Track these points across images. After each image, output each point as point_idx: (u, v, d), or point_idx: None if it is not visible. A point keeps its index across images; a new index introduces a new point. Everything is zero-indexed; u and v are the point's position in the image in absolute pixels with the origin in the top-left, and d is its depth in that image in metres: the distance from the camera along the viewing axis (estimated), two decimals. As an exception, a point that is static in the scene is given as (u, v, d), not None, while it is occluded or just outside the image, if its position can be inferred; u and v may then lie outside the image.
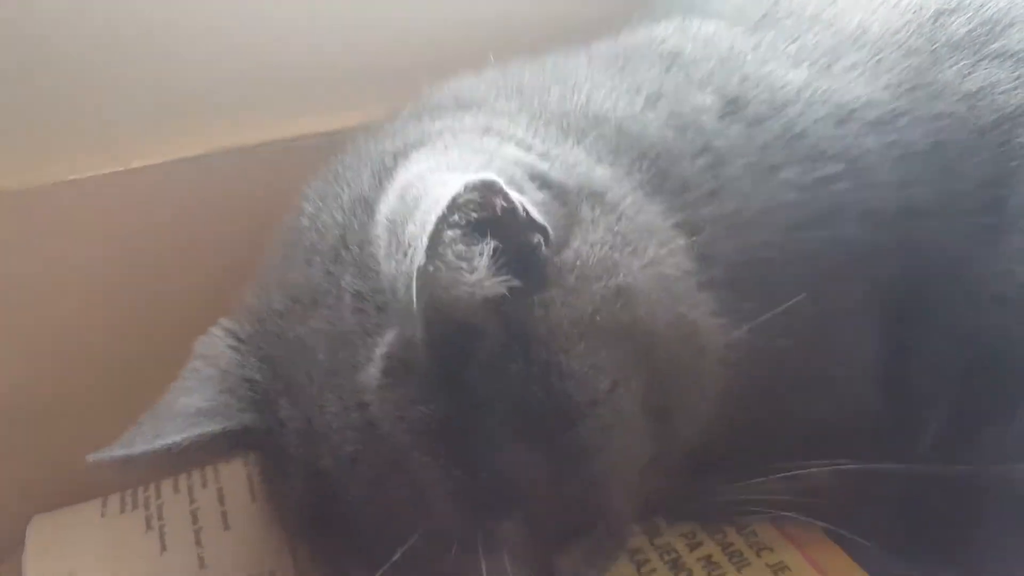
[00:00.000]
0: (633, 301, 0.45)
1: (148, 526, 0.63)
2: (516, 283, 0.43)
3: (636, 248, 0.47)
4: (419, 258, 0.39)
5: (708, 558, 0.57)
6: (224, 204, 0.68)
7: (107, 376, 0.68)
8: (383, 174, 0.48)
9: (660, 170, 0.51)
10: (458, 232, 0.40)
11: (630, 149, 0.51)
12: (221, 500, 0.65)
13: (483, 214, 0.41)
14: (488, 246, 0.42)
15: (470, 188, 0.40)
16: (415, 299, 0.40)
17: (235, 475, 0.67)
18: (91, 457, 0.47)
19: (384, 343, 0.43)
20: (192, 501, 0.65)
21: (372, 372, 0.43)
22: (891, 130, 0.53)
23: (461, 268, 0.41)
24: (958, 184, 0.53)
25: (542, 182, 0.48)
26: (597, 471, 0.45)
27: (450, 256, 0.40)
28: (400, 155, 0.49)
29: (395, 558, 0.44)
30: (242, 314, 0.53)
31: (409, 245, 0.40)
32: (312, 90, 0.71)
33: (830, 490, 0.53)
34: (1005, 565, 0.53)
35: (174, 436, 0.46)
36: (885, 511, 0.54)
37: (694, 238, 0.49)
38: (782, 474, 0.51)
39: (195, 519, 0.63)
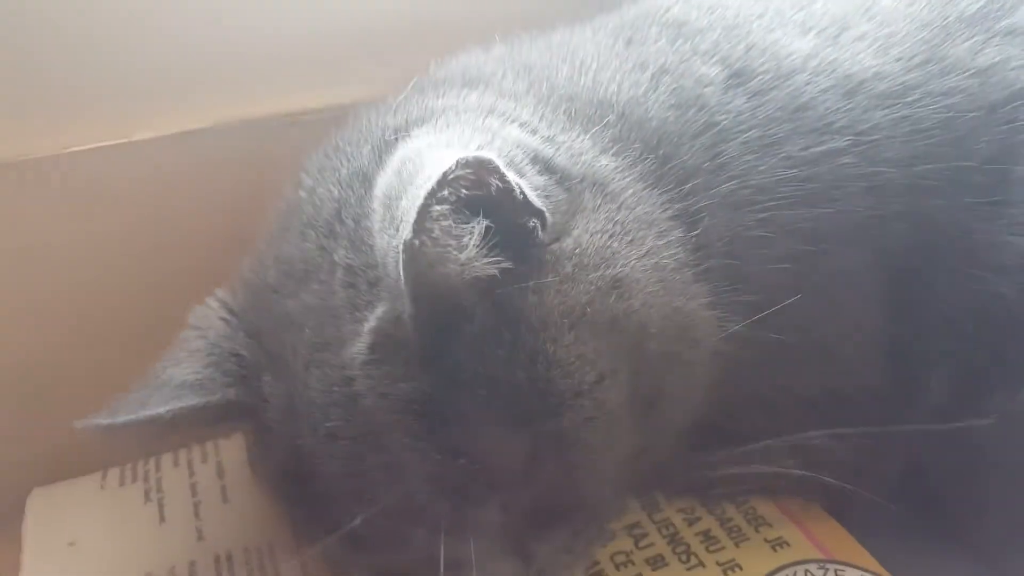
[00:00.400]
0: (628, 293, 0.45)
1: (147, 498, 0.63)
2: (508, 265, 0.43)
3: (635, 239, 0.47)
4: (406, 232, 0.39)
5: (706, 533, 0.57)
6: (226, 178, 0.68)
7: (107, 348, 0.67)
8: (383, 149, 0.48)
9: (662, 159, 0.50)
10: (446, 207, 0.40)
11: (634, 139, 0.51)
12: (220, 474, 0.65)
13: (475, 192, 0.41)
14: (479, 225, 0.42)
15: (462, 164, 0.40)
16: (402, 270, 0.40)
17: (235, 450, 0.67)
18: (78, 423, 0.47)
19: (373, 318, 0.43)
20: (192, 474, 0.65)
21: (359, 347, 0.43)
22: (901, 105, 0.53)
23: (448, 245, 0.41)
24: (965, 161, 0.52)
25: (544, 166, 0.47)
26: (577, 462, 0.45)
27: (437, 232, 0.40)
28: (401, 131, 0.49)
29: (355, 523, 0.44)
30: (237, 286, 0.53)
31: (400, 220, 0.40)
32: (316, 64, 0.71)
33: (830, 456, 0.53)
34: (1011, 528, 0.53)
35: (158, 407, 0.47)
36: (888, 477, 0.54)
37: (693, 232, 0.49)
38: (780, 440, 0.51)
39: (194, 492, 0.63)
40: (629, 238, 0.47)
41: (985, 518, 0.54)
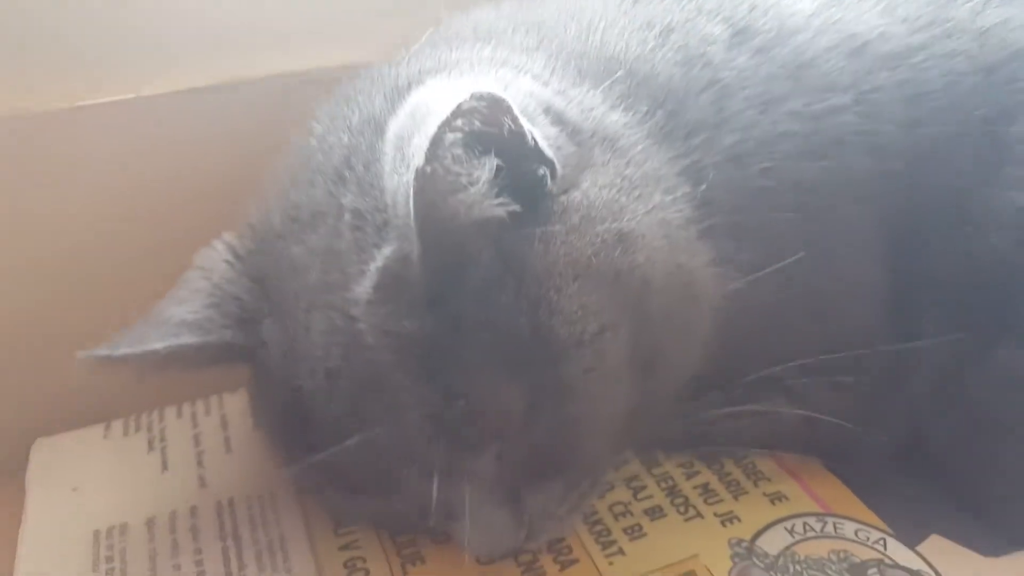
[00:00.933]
0: (633, 247, 0.45)
1: (150, 447, 0.64)
2: (516, 208, 0.43)
3: (642, 194, 0.47)
4: (419, 159, 0.39)
5: (705, 486, 0.57)
6: (233, 135, 0.69)
7: (111, 302, 0.68)
8: (395, 97, 0.48)
9: (668, 114, 0.51)
10: (459, 136, 0.40)
11: (642, 95, 0.51)
12: (224, 426, 0.65)
13: (488, 128, 0.41)
14: (491, 161, 0.42)
15: (477, 97, 0.40)
16: (412, 203, 0.40)
17: (239, 404, 0.67)
18: (79, 354, 0.48)
19: (380, 257, 0.43)
20: (195, 426, 0.66)
21: (364, 287, 0.43)
22: (905, 67, 0.53)
23: (459, 175, 0.41)
24: (964, 125, 0.53)
25: (556, 118, 0.48)
26: (574, 413, 0.45)
27: (449, 160, 0.40)
28: (415, 81, 0.49)
29: (349, 442, 0.44)
30: (243, 231, 0.53)
31: (412, 155, 0.40)
32: (323, 24, 0.71)
33: (830, 406, 0.53)
34: (1015, 486, 0.53)
35: (155, 343, 0.48)
36: (890, 431, 0.54)
37: (698, 188, 0.49)
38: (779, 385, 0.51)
39: (197, 442, 0.64)
40: (637, 193, 0.47)
41: (989, 477, 0.54)
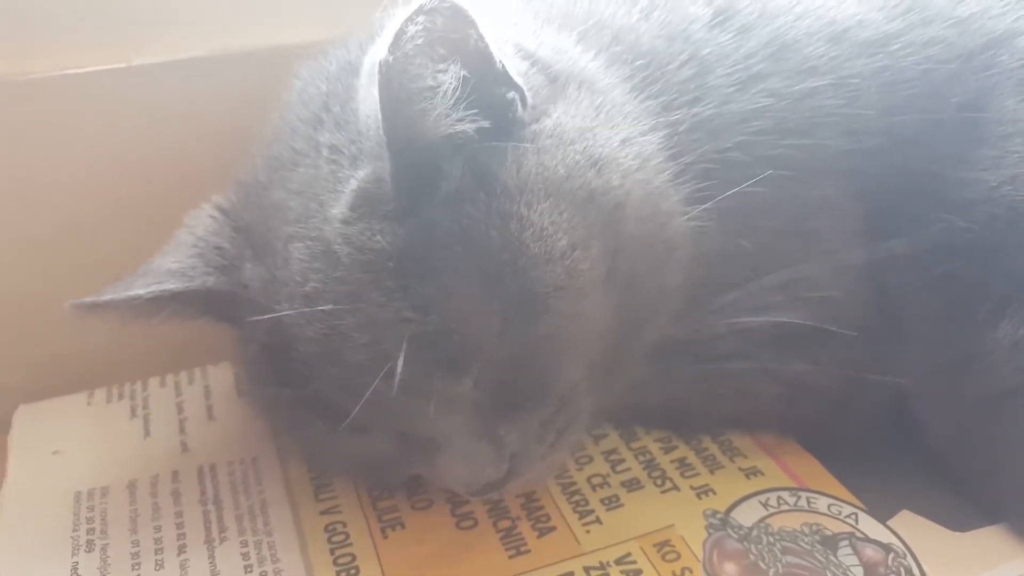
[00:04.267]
0: (608, 169, 0.46)
1: (133, 414, 0.64)
2: (485, 124, 0.44)
3: (617, 126, 0.49)
4: (382, 54, 0.40)
5: (682, 460, 0.58)
6: (222, 107, 0.69)
7: (99, 270, 0.68)
8: (369, 43, 0.49)
9: (650, 79, 0.52)
10: (419, 28, 0.41)
11: (625, 56, 0.52)
12: (207, 395, 0.66)
13: (451, 34, 0.42)
14: (456, 68, 0.43)
15: (439, 0, 0.41)
16: (379, 102, 0.41)
17: (222, 375, 0.68)
18: (68, 303, 0.49)
19: (354, 180, 0.44)
20: (178, 395, 0.66)
21: (340, 207, 0.44)
22: (882, 55, 0.54)
23: (423, 70, 0.42)
24: (942, 111, 0.54)
25: (526, 55, 0.49)
26: (546, 331, 0.45)
27: (411, 50, 0.41)
28: (388, 21, 0.50)
29: (327, 367, 0.45)
30: (230, 188, 0.55)
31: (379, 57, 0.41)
32: (315, -2, 0.72)
33: (811, 386, 0.54)
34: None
35: (139, 290, 0.49)
36: (873, 412, 0.55)
37: (673, 135, 0.50)
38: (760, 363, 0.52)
39: (180, 410, 0.64)
40: (612, 124, 0.48)
41: (996, 473, 0.53)
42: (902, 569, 0.50)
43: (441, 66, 0.43)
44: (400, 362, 0.42)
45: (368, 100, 0.43)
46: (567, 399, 0.49)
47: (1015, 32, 0.54)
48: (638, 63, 0.52)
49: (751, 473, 0.57)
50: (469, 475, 0.48)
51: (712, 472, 0.57)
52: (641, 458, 0.58)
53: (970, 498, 0.53)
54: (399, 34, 0.41)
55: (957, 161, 0.53)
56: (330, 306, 0.44)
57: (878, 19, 0.55)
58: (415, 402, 0.44)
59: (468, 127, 0.44)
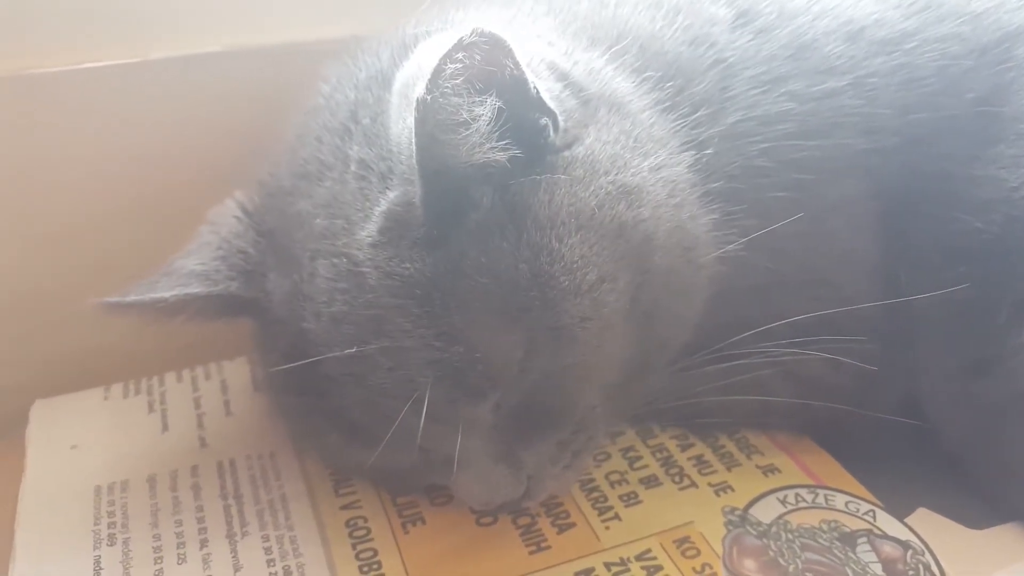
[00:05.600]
0: (638, 201, 0.46)
1: (150, 409, 0.64)
2: (517, 153, 0.44)
3: (647, 152, 0.49)
4: (420, 90, 0.40)
5: (699, 458, 0.58)
6: (237, 102, 0.69)
7: (113, 267, 0.68)
8: (403, 53, 0.49)
9: (676, 88, 0.52)
10: (459, 67, 0.41)
11: (651, 68, 0.52)
12: (224, 390, 0.66)
13: (489, 67, 0.42)
14: (492, 101, 0.43)
15: (478, 33, 0.41)
16: (413, 136, 0.41)
17: (238, 370, 0.68)
18: (92, 300, 0.49)
19: (384, 201, 0.44)
20: (195, 390, 0.66)
21: (368, 230, 0.44)
22: (899, 53, 0.54)
23: (459, 107, 0.42)
24: (957, 107, 0.54)
25: (560, 75, 0.49)
26: (569, 361, 0.46)
27: (449, 90, 0.41)
28: (422, 37, 0.50)
29: (352, 387, 0.45)
30: (254, 188, 0.55)
31: (415, 94, 0.41)
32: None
33: (823, 384, 0.54)
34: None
35: (164, 292, 0.49)
36: (887, 407, 0.54)
37: (700, 157, 0.50)
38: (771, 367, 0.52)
39: (197, 405, 0.64)
40: (643, 151, 0.48)
41: (1013, 475, 0.53)
42: (920, 566, 0.50)
43: (478, 99, 0.42)
44: (428, 393, 0.43)
45: (400, 122, 0.42)
46: (585, 422, 0.49)
47: None
48: (664, 75, 0.52)
49: (768, 470, 0.57)
50: (486, 495, 0.49)
51: (729, 469, 0.57)
52: (658, 455, 0.58)
53: (986, 500, 0.54)
54: (437, 72, 0.40)
55: (973, 159, 0.54)
56: (357, 331, 0.44)
57: (894, 17, 0.55)
58: (436, 426, 0.44)
59: (501, 156, 0.44)
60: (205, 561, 0.51)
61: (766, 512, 0.54)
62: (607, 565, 0.51)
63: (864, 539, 0.52)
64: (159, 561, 0.52)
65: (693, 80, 0.53)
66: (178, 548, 0.52)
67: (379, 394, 0.45)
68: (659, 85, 0.52)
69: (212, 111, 0.70)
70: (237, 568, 0.51)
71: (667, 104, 0.52)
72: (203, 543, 0.53)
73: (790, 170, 0.52)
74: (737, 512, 0.54)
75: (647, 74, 0.52)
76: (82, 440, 0.61)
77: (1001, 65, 0.54)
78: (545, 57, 0.49)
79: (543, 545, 0.52)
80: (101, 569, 0.51)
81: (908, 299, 0.54)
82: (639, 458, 0.58)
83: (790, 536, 0.52)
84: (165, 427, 0.62)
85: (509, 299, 0.44)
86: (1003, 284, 0.52)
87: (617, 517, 0.54)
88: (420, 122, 0.41)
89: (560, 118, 0.46)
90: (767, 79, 0.53)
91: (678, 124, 0.51)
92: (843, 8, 0.55)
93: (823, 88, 0.53)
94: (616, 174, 0.46)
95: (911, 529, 0.53)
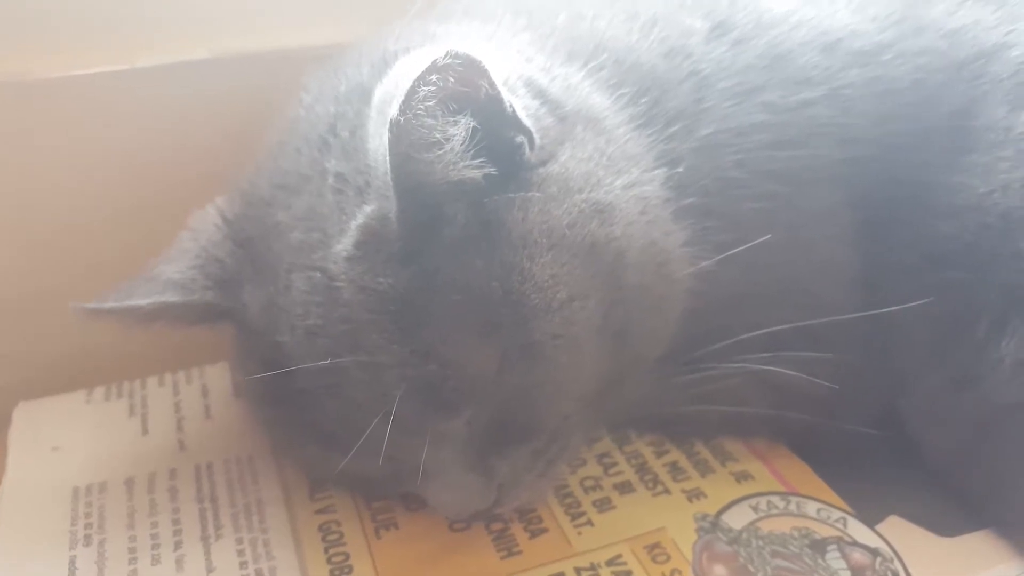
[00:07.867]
0: (610, 219, 0.47)
1: (131, 412, 0.65)
2: (492, 171, 0.45)
3: (621, 170, 0.49)
4: (393, 111, 0.41)
5: (674, 464, 0.58)
6: (226, 109, 0.70)
7: (98, 271, 0.68)
8: (382, 67, 0.50)
9: (651, 102, 0.52)
10: (432, 89, 0.41)
11: (627, 81, 0.53)
12: (204, 395, 0.66)
13: (463, 88, 0.43)
14: (466, 121, 0.43)
15: (452, 55, 0.41)
16: (388, 155, 0.41)
17: (219, 375, 0.68)
18: (71, 304, 0.50)
19: (360, 215, 0.44)
20: (176, 394, 0.67)
21: (344, 244, 0.45)
22: (875, 65, 0.55)
23: (432, 128, 0.42)
24: (932, 119, 0.55)
25: (537, 92, 0.49)
26: (541, 378, 0.46)
27: (422, 112, 0.42)
28: (402, 51, 0.51)
29: (327, 400, 0.46)
30: (234, 195, 0.55)
31: (390, 112, 0.41)
32: (318, 1, 0.72)
33: (800, 394, 0.54)
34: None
35: (141, 300, 0.50)
36: (864, 417, 0.54)
37: (674, 171, 0.51)
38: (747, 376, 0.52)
39: (178, 409, 0.65)
40: (616, 168, 0.49)
41: (998, 489, 0.53)
42: (889, 573, 0.50)
43: (452, 119, 0.43)
44: (395, 405, 0.43)
45: (377, 138, 0.43)
46: (558, 432, 0.50)
47: (1006, 44, 0.55)
48: (640, 89, 0.52)
49: (742, 477, 0.57)
50: (457, 504, 0.50)
51: (703, 476, 0.57)
52: (633, 461, 0.59)
53: (972, 515, 0.53)
54: (410, 94, 0.41)
55: (946, 168, 0.54)
56: (331, 344, 0.45)
57: (871, 29, 0.56)
58: (406, 438, 0.45)
59: (475, 173, 0.44)
60: (179, 563, 0.52)
61: (738, 519, 0.54)
62: (577, 570, 0.51)
63: (834, 546, 0.52)
64: (133, 562, 0.52)
65: (668, 92, 0.53)
66: (152, 549, 0.53)
67: (352, 407, 0.46)
68: (634, 100, 0.52)
69: (201, 117, 0.70)
70: (210, 570, 0.51)
71: (642, 120, 0.52)
72: (177, 545, 0.53)
73: (765, 181, 0.53)
74: (709, 518, 0.54)
75: (622, 90, 0.52)
76: (63, 442, 0.62)
77: (976, 80, 0.55)
78: (523, 74, 0.50)
79: (515, 550, 0.52)
80: (76, 569, 0.52)
81: (888, 310, 0.55)
82: (614, 464, 0.59)
83: (760, 543, 0.52)
84: (145, 430, 0.63)
85: (482, 316, 0.44)
86: (980, 296, 0.52)
87: (590, 523, 0.54)
88: (394, 142, 0.41)
89: (536, 135, 0.46)
90: (741, 90, 0.53)
91: (652, 139, 0.52)
92: (820, 19, 0.56)
93: (798, 99, 0.54)
94: (589, 192, 0.47)
95: (881, 536, 0.53)
